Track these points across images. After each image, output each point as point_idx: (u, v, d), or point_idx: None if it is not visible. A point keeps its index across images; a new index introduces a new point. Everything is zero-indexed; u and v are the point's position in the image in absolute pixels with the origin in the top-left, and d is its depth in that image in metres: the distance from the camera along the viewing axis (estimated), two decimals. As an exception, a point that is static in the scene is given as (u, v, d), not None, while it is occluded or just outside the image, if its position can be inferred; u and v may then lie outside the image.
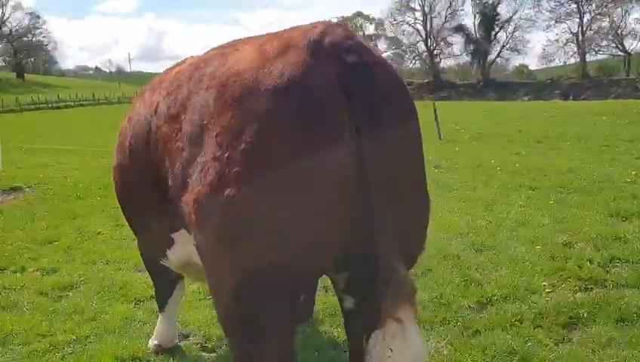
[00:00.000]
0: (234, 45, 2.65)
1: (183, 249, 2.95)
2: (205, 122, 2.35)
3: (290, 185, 2.17)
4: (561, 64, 70.86)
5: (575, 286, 4.93)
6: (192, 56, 3.20)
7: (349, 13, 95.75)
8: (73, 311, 5.14)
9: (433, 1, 78.44)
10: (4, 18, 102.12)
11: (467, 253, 5.99)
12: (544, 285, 4.94)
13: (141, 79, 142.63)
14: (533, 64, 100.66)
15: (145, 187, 2.97)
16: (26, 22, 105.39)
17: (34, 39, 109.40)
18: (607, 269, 5.31)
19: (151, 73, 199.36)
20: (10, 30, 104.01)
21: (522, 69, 77.87)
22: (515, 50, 74.54)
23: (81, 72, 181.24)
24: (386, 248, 2.23)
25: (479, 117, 28.89)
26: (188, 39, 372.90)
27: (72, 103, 69.29)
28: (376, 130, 2.21)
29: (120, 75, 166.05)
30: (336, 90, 2.20)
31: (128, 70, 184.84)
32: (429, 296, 4.84)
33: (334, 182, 2.19)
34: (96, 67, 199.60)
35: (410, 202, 2.46)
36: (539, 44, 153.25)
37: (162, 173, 2.71)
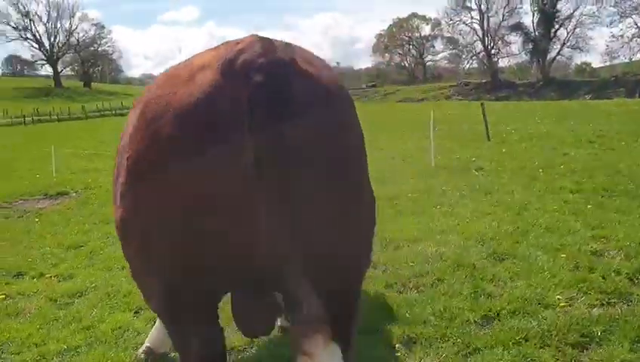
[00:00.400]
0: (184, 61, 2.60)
1: None
2: (126, 142, 2.41)
3: (174, 211, 2.18)
4: (627, 61, 67.62)
5: (596, 301, 4.49)
6: None
7: (405, 15, 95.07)
8: (72, 319, 5.11)
9: (490, 0, 76.67)
10: (72, 29, 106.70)
11: (484, 262, 5.60)
12: (558, 299, 4.52)
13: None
14: (596, 61, 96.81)
15: None
16: (92, 32, 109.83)
17: (100, 49, 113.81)
18: (636, 281, 4.83)
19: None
20: (78, 40, 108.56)
21: (584, 67, 74.82)
22: (577, 47, 71.74)
23: (146, 80, 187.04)
24: (287, 277, 2.18)
25: (535, 117, 27.81)
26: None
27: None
28: (281, 157, 2.09)
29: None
30: (242, 114, 2.09)
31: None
32: (432, 309, 4.53)
33: (226, 210, 2.13)
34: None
35: (326, 227, 2.26)
36: (602, 41, 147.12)
37: None
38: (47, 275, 6.64)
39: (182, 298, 2.35)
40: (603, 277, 4.92)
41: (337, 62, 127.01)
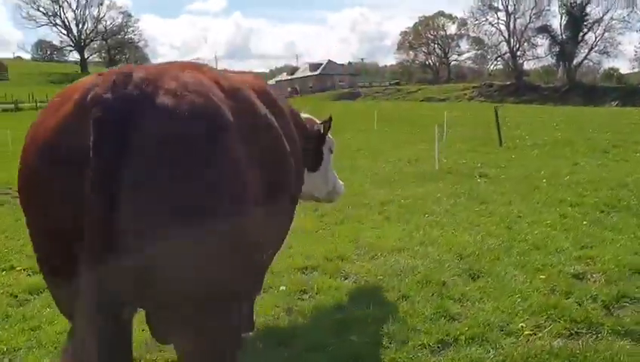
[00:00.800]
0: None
1: None
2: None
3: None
4: (658, 67, 66.12)
5: (563, 330, 4.16)
6: None
7: (432, 12, 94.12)
8: (22, 317, 4.94)
9: (517, 1, 75.49)
10: (100, 16, 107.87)
11: (456, 280, 5.30)
12: (523, 326, 4.20)
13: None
14: (625, 67, 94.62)
15: None
16: (120, 20, 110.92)
17: (126, 37, 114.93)
18: (611, 309, 4.50)
19: (237, 72, 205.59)
20: (105, 28, 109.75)
21: (612, 73, 73.28)
22: (605, 52, 70.35)
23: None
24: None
25: (554, 123, 27.19)
26: (274, 38, 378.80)
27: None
28: (115, 192, 2.11)
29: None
30: (83, 150, 2.11)
31: (217, 68, 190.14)
32: (387, 330, 4.26)
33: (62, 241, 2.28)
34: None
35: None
36: (631, 47, 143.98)
37: None
38: (17, 268, 6.52)
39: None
40: (578, 304, 4.59)
41: (362, 59, 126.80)
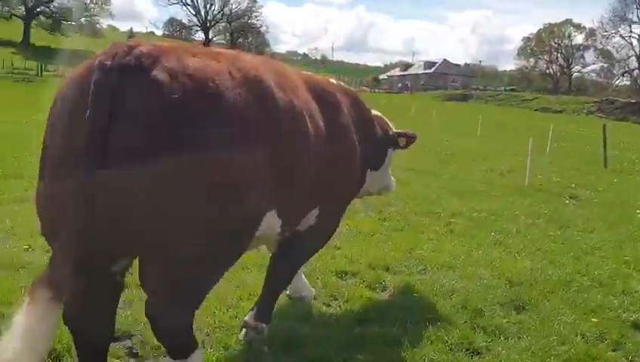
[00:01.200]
0: None
1: None
2: None
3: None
4: None
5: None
6: None
7: (558, 20, 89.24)
8: None
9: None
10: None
11: (496, 309, 4.83)
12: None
13: (339, 69, 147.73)
14: None
15: None
16: (245, 5, 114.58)
17: (250, 21, 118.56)
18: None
19: (351, 64, 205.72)
20: (230, 11, 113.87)
21: None
22: None
23: (289, 57, 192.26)
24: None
25: (677, 147, 24.83)
26: (393, 33, 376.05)
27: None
28: (102, 144, 2.50)
29: (324, 63, 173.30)
30: (85, 104, 2.50)
31: (330, 59, 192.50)
32: (399, 353, 3.98)
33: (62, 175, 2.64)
34: (304, 54, 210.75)
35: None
36: None
37: None
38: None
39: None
40: (627, 359, 4.08)
41: (480, 61, 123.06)
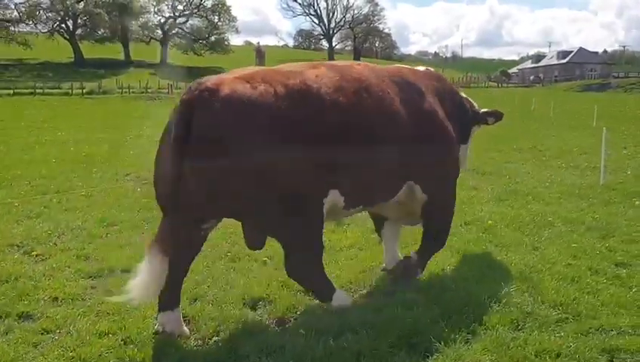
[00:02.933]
0: None
1: None
2: None
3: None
4: None
5: None
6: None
7: None
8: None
9: None
10: (349, 5, 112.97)
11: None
12: None
13: (471, 65, 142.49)
14: None
15: None
16: (367, 9, 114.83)
17: (372, 25, 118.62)
18: None
19: (485, 59, 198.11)
20: (352, 17, 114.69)
21: None
22: None
23: (420, 57, 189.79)
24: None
25: None
26: (529, 24, 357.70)
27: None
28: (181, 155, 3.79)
29: (455, 61, 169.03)
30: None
31: (462, 56, 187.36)
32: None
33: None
34: (435, 52, 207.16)
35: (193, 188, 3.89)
36: None
37: None
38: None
39: None
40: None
41: (624, 46, 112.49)
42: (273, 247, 5.03)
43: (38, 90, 53.28)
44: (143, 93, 58.58)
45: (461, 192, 8.03)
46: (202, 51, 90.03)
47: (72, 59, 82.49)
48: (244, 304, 4.77)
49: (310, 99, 4.07)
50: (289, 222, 4.05)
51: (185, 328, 4.25)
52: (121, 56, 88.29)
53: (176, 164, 3.75)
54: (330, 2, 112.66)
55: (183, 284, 4.39)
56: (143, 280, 3.86)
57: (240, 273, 5.51)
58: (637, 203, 8.61)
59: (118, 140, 20.82)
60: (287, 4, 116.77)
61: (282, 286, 5.06)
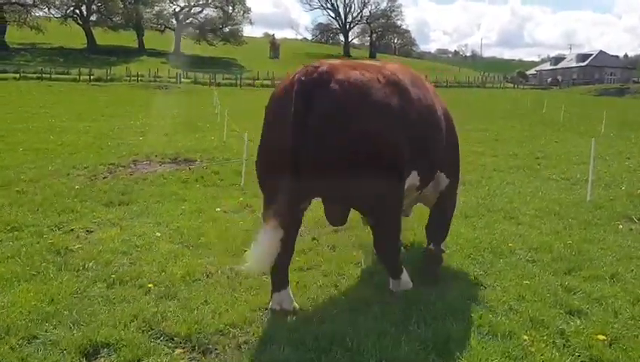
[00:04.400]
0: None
1: None
2: None
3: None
4: None
5: None
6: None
7: None
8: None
9: None
10: (366, 0, 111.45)
11: None
12: None
13: (490, 65, 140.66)
14: None
15: None
16: (384, 4, 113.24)
17: (389, 21, 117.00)
18: None
19: (504, 60, 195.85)
20: (370, 12, 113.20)
21: None
22: None
23: (439, 55, 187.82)
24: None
25: None
26: (551, 26, 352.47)
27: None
28: (302, 134, 4.07)
29: (474, 60, 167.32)
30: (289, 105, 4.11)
31: (481, 55, 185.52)
32: None
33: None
34: (455, 51, 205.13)
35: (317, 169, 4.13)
36: None
37: None
38: None
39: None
40: None
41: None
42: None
43: (44, 75, 53.02)
44: (151, 81, 58.14)
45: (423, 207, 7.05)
46: (215, 42, 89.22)
47: (86, 46, 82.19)
48: (81, 351, 3.79)
49: (400, 89, 4.50)
50: (386, 199, 4.46)
51: (296, 304, 4.66)
52: (135, 44, 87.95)
53: (296, 138, 4.00)
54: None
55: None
56: (261, 251, 4.09)
57: (106, 303, 4.56)
58: (620, 226, 7.52)
59: (105, 129, 20.42)
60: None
61: (144, 327, 4.11)
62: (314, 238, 6.66)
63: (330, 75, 4.16)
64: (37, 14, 78.42)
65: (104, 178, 10.55)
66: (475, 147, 17.81)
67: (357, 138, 4.13)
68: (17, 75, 51.77)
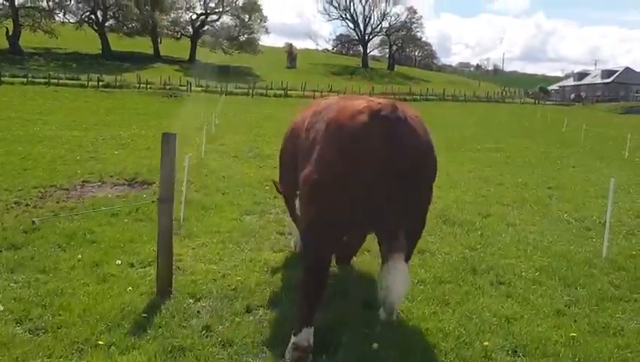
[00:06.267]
0: (347, 99, 4.74)
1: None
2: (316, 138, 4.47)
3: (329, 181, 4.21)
4: None
5: None
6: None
7: None
8: None
9: None
10: (386, 12, 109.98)
11: None
12: None
13: (512, 80, 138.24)
14: None
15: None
16: (404, 17, 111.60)
17: (409, 34, 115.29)
18: None
19: (527, 74, 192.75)
20: (389, 24, 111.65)
21: None
22: None
23: (461, 69, 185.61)
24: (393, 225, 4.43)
25: None
26: (575, 41, 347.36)
27: (418, 97, 69.73)
28: (396, 167, 4.15)
29: (496, 74, 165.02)
30: (379, 142, 4.12)
31: (503, 70, 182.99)
32: None
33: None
34: (477, 65, 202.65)
35: (406, 204, 4.31)
36: None
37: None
38: None
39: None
40: None
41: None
42: None
43: (52, 81, 52.11)
44: (160, 89, 57.07)
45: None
46: (231, 51, 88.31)
47: (100, 51, 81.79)
48: None
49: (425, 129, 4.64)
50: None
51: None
52: (151, 51, 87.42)
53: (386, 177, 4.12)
54: (366, 7, 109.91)
55: None
56: (400, 286, 4.52)
57: None
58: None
59: (87, 140, 19.29)
60: (324, 8, 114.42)
61: None
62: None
63: (404, 112, 4.33)
64: (53, 20, 78.15)
65: (26, 205, 8.95)
66: (481, 170, 16.05)
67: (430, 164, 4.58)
68: (25, 80, 50.93)
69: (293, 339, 4.20)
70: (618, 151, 22.91)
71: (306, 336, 4.18)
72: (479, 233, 8.25)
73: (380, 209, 4.13)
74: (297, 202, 4.99)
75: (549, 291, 5.87)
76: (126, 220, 8.04)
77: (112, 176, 11.98)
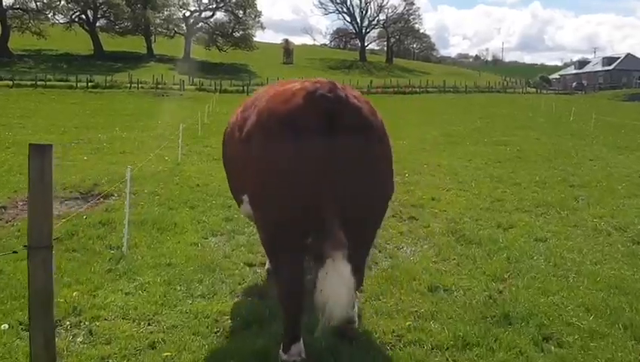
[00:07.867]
0: (279, 85, 4.39)
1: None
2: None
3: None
4: None
5: None
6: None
7: None
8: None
9: None
10: (383, 4, 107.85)
11: None
12: None
13: (511, 70, 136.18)
14: None
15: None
16: (401, 8, 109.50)
17: (406, 25, 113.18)
18: None
19: (526, 64, 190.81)
20: (386, 16, 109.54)
21: None
22: None
23: (460, 60, 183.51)
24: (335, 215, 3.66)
25: None
26: (573, 29, 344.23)
27: (418, 90, 67.96)
28: (336, 151, 3.71)
29: (495, 65, 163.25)
30: (318, 124, 3.71)
31: (503, 60, 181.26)
32: None
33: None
34: (476, 55, 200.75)
35: (350, 191, 3.74)
36: None
37: None
38: None
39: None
40: None
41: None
42: None
43: (39, 83, 50.33)
44: (153, 88, 55.28)
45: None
46: (226, 47, 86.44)
47: (92, 52, 79.94)
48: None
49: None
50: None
51: None
52: (144, 50, 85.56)
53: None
54: (363, 0, 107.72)
55: None
56: (339, 292, 3.74)
57: None
58: None
59: (56, 146, 17.29)
60: (320, 1, 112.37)
61: None
62: None
63: (346, 93, 3.96)
64: (42, 21, 76.20)
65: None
66: (492, 167, 14.31)
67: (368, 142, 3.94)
68: (11, 83, 49.22)
69: (283, 357, 4.00)
70: (633, 141, 21.16)
71: (297, 351, 4.00)
72: (504, 255, 6.50)
73: (322, 197, 3.67)
74: (242, 207, 4.60)
75: (617, 351, 4.14)
76: (54, 250, 6.29)
77: (65, 189, 10.25)
